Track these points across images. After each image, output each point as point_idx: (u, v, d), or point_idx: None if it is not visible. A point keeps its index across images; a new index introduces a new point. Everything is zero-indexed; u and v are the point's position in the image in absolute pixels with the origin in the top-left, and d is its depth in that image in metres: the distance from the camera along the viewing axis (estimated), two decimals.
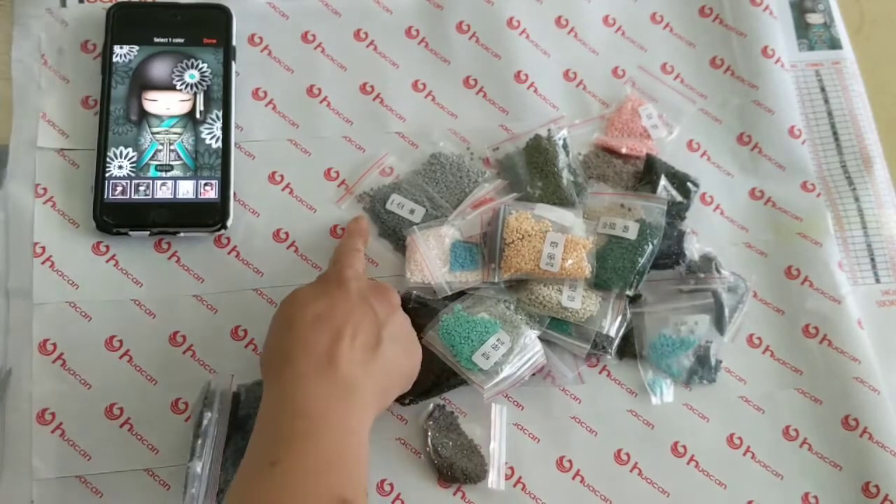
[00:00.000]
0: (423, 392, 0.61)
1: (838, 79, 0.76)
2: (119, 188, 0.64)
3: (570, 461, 0.62)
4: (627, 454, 0.63)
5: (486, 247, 0.64)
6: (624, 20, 0.76)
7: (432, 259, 0.63)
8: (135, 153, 0.65)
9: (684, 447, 0.63)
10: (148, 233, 0.64)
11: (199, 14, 0.70)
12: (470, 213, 0.66)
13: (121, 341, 0.62)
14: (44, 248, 0.64)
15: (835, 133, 0.74)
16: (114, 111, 0.66)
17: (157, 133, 0.66)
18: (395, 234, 0.66)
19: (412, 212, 0.66)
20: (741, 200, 0.71)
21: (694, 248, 0.67)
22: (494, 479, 0.61)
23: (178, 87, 0.67)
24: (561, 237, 0.62)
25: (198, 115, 0.67)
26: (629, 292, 0.63)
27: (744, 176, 0.72)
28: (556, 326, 0.63)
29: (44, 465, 0.59)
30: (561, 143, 0.68)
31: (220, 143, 0.66)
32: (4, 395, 0.60)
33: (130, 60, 0.67)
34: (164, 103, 0.67)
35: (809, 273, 0.68)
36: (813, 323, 0.67)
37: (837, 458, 0.64)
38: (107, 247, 0.65)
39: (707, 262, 0.67)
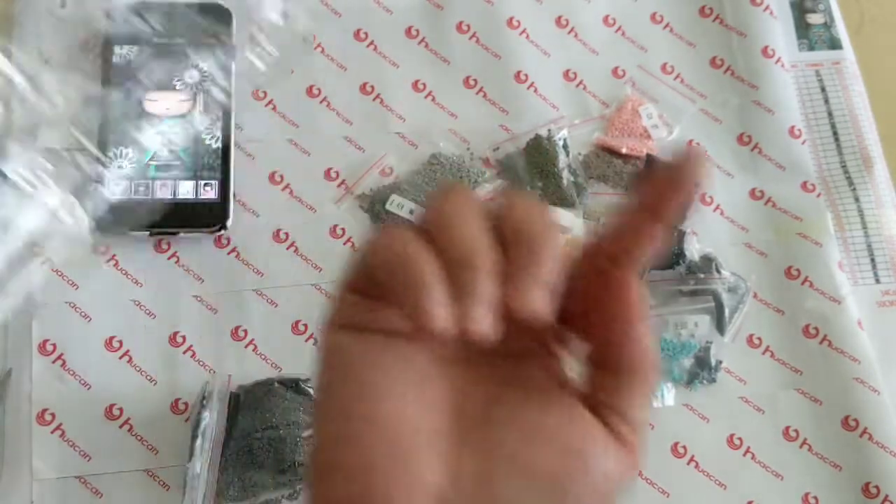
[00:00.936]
0: None
1: (838, 79, 0.76)
2: (119, 188, 0.64)
3: None
4: None
5: None
6: (624, 20, 0.76)
7: None
8: (134, 153, 0.65)
9: (684, 447, 0.63)
10: (147, 233, 0.64)
11: (199, 14, 0.69)
12: None
13: (121, 342, 0.62)
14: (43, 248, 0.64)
15: (835, 133, 0.74)
16: (113, 111, 0.66)
17: (157, 133, 0.66)
18: None
19: (412, 212, 0.66)
20: (741, 200, 0.71)
21: (694, 249, 0.67)
22: None
23: (177, 88, 0.67)
24: (561, 237, 0.62)
25: (198, 116, 0.67)
26: None
27: (744, 176, 0.71)
28: None
29: (44, 466, 0.59)
30: (561, 143, 0.68)
31: (219, 144, 0.66)
32: (4, 395, 0.60)
33: (130, 61, 0.68)
34: (164, 103, 0.67)
35: (809, 273, 0.68)
36: (813, 323, 0.67)
37: (837, 459, 0.63)
38: (106, 247, 0.65)
39: (707, 263, 0.67)
